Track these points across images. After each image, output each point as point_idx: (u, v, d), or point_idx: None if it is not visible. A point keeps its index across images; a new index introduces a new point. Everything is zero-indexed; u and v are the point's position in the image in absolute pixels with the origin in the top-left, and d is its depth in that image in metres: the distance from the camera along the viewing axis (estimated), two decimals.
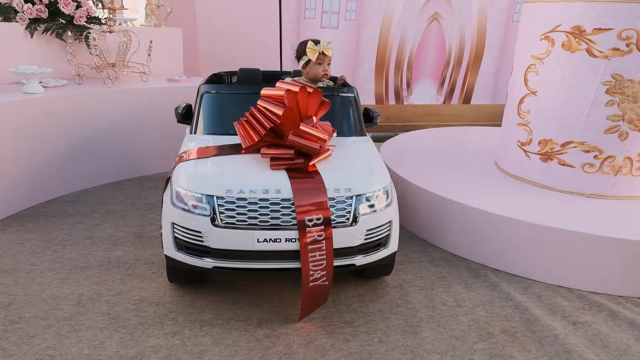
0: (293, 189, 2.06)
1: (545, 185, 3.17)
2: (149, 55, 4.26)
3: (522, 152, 3.30)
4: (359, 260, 2.17)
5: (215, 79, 3.37)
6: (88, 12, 4.07)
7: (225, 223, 2.04)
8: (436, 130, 5.01)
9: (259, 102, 2.23)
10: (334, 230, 2.05)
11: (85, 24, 4.06)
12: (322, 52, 2.78)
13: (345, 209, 2.10)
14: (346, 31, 5.76)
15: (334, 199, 2.09)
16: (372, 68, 5.94)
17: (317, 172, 2.16)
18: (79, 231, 3.08)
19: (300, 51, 2.82)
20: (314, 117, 2.28)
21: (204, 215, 2.05)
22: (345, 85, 3.07)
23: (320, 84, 3.05)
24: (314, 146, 2.15)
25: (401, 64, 6.01)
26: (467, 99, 6.35)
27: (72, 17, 3.98)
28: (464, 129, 5.36)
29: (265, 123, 2.13)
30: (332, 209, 2.07)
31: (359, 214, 2.11)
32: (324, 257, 2.05)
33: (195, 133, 2.63)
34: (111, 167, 3.95)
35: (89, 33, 3.86)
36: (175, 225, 2.13)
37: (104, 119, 3.82)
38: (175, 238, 2.15)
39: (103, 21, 4.19)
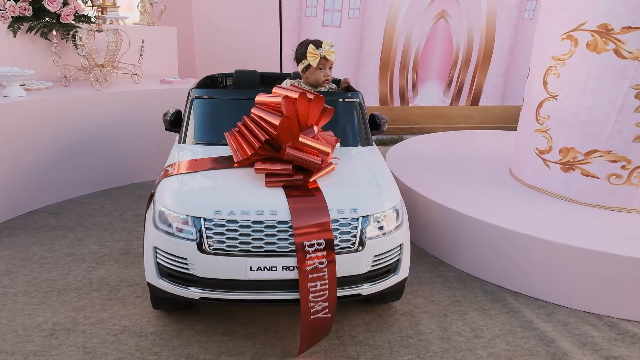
0: (291, 209, 1.81)
1: (567, 198, 2.91)
2: (140, 55, 4.01)
3: (540, 161, 3.05)
4: (366, 289, 1.92)
5: (209, 82, 3.12)
6: (76, 10, 3.83)
7: (214, 249, 1.79)
8: (444, 135, 4.76)
9: (253, 110, 1.98)
10: (337, 256, 1.81)
11: (73, 22, 3.82)
12: (324, 56, 2.54)
13: (351, 232, 1.85)
14: (349, 30, 5.51)
15: (338, 220, 1.84)
16: (376, 68, 5.69)
17: (318, 190, 1.91)
18: (60, 247, 2.84)
19: (300, 54, 2.57)
20: (315, 127, 2.03)
21: (189, 239, 1.81)
22: (349, 89, 2.82)
23: (322, 89, 2.81)
24: (315, 160, 1.90)
25: (406, 64, 5.76)
26: (475, 101, 6.09)
27: (59, 16, 3.74)
28: (473, 132, 5.10)
29: (260, 134, 1.88)
30: (335, 233, 1.82)
31: (365, 237, 1.86)
32: (326, 286, 1.81)
33: (184, 143, 2.38)
34: (99, 174, 3.71)
35: (77, 32, 3.62)
36: (157, 250, 1.88)
37: (91, 124, 3.58)
38: (158, 264, 1.90)
39: (92, 20, 3.95)
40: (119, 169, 3.81)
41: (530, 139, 3.14)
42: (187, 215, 1.82)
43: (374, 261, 1.89)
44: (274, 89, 2.07)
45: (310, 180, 1.93)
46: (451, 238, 2.78)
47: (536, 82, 3.09)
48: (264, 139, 1.86)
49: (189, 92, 2.52)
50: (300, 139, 1.89)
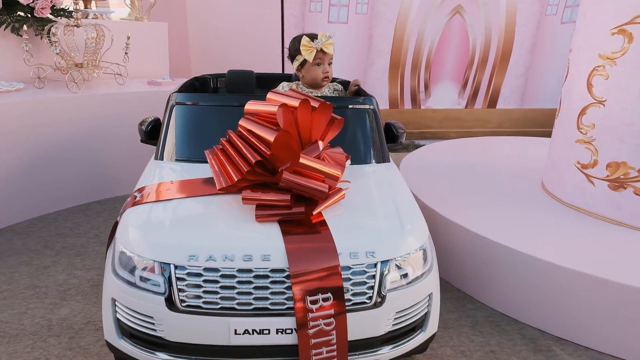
0: (288, 251, 1.39)
1: (616, 221, 2.48)
2: (126, 54, 3.60)
3: (583, 177, 2.61)
4: (385, 354, 1.49)
5: (197, 85, 2.70)
6: (53, 3, 3.41)
7: (188, 305, 1.37)
8: (462, 142, 4.32)
9: (241, 122, 1.56)
10: (349, 314, 1.38)
11: (50, 16, 3.41)
12: (321, 49, 2.15)
13: (366, 282, 1.42)
14: (357, 26, 5.08)
15: (350, 268, 1.41)
16: (385, 68, 5.25)
17: (324, 225, 1.49)
18: (21, 277, 2.43)
19: (294, 50, 2.19)
20: (320, 143, 1.61)
21: (156, 292, 1.39)
22: (359, 92, 2.40)
23: (327, 92, 2.39)
24: (320, 188, 1.48)
25: (419, 63, 5.32)
26: (492, 103, 5.64)
27: (33, 9, 3.33)
28: (493, 139, 4.66)
29: (249, 155, 1.46)
30: (346, 284, 1.39)
31: (385, 288, 1.44)
32: (334, 354, 1.38)
33: (161, 159, 1.96)
34: (76, 187, 3.29)
35: (52, 27, 3.21)
36: (117, 303, 1.46)
37: (67, 130, 3.17)
38: (118, 320, 1.48)
39: (72, 14, 3.54)
40: (100, 180, 3.40)
41: (569, 150, 2.70)
42: (154, 261, 1.40)
43: (396, 319, 1.47)
44: (269, 95, 1.65)
45: (314, 212, 1.50)
46: (481, 270, 2.35)
47: (578, 85, 2.65)
48: (254, 161, 1.43)
49: (169, 97, 2.11)
50: (302, 160, 1.47)
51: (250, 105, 1.59)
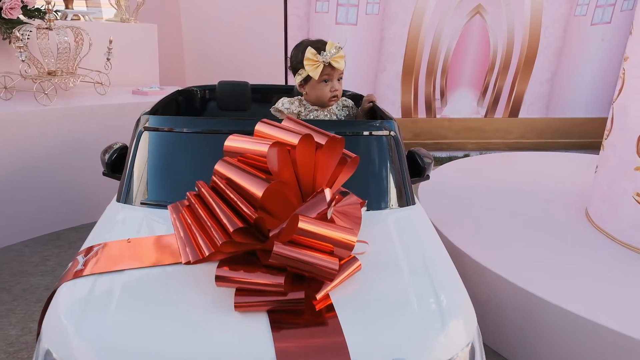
0: (279, 354, 0.95)
1: None
2: (108, 59, 3.19)
3: None
4: None
5: (181, 99, 2.28)
6: (24, 3, 3.01)
7: None
8: (484, 159, 3.87)
9: (217, 166, 1.12)
10: None
11: (21, 17, 3.01)
12: (329, 63, 1.73)
13: None
14: (367, 28, 4.64)
15: None
16: (398, 73, 4.81)
17: (331, 312, 1.05)
18: None
19: (296, 61, 1.78)
20: (326, 192, 1.17)
21: None
22: (374, 111, 1.97)
23: (335, 109, 1.97)
24: (329, 265, 1.04)
25: (434, 69, 4.88)
26: (514, 112, 5.18)
27: (0, 9, 2.92)
28: (517, 155, 4.21)
29: (226, 219, 1.02)
30: None
31: None
32: None
33: (123, 201, 1.53)
34: (48, 212, 2.88)
35: (19, 30, 2.80)
36: None
37: (37, 147, 2.76)
38: None
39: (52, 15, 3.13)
40: (75, 204, 2.99)
41: (626, 179, 2.25)
42: None
43: None
44: (258, 127, 1.21)
45: (319, 295, 1.07)
46: (523, 331, 1.91)
47: (637, 101, 2.20)
48: (232, 229, 0.99)
49: (138, 120, 1.68)
50: (302, 225, 1.03)
51: (232, 142, 1.16)
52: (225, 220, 1.00)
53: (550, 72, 5.05)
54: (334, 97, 1.86)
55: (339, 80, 1.86)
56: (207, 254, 1.02)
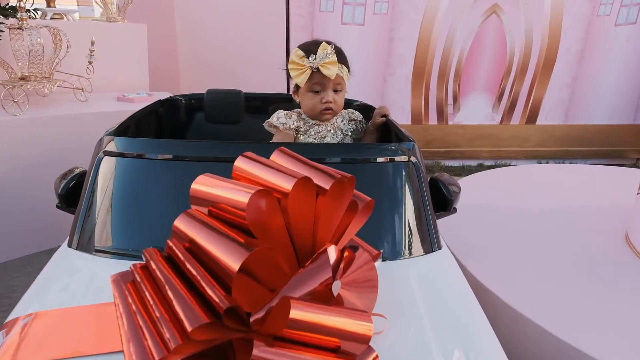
0: None
1: None
2: (89, 63, 2.88)
3: None
4: None
5: (162, 111, 1.97)
6: None
7: None
8: (502, 173, 3.53)
9: (177, 222, 0.80)
10: None
11: None
12: (317, 68, 1.45)
13: None
14: (375, 28, 4.32)
15: None
16: (408, 77, 4.50)
17: None
18: None
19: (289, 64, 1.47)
20: (331, 251, 0.85)
21: None
22: (388, 127, 1.66)
23: (340, 122, 1.68)
24: None
25: (447, 72, 4.55)
26: (532, 118, 4.85)
27: None
28: (538, 168, 3.87)
29: (183, 315, 0.70)
30: None
31: None
32: None
33: (75, 247, 1.22)
34: (17, 235, 2.58)
35: None
36: None
37: (4, 162, 2.46)
38: None
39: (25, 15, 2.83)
40: (50, 224, 2.68)
41: None
42: None
43: None
44: (237, 163, 0.89)
45: None
46: None
47: None
48: (190, 329, 0.68)
49: (99, 142, 1.37)
50: (295, 314, 0.71)
51: (201, 186, 0.85)
52: (181, 314, 0.68)
53: (571, 76, 4.71)
54: (327, 110, 1.56)
55: (336, 91, 1.55)
56: (157, 358, 0.70)
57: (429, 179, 1.50)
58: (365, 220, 0.98)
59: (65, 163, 2.54)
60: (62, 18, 3.27)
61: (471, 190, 3.06)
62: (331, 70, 1.50)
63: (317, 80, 1.54)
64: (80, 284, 1.08)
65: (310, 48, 1.52)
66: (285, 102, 2.18)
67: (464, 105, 4.73)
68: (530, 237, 2.31)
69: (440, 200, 1.48)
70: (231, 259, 0.73)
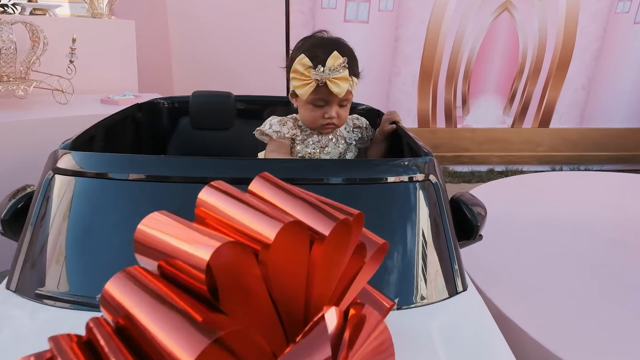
0: None
1: None
2: (71, 62, 2.65)
3: None
4: None
5: (140, 116, 1.73)
6: None
7: None
8: (517, 181, 3.28)
9: (109, 286, 0.57)
10: None
11: None
12: (325, 82, 1.23)
13: None
14: (380, 26, 4.09)
15: None
16: (414, 77, 4.26)
17: None
18: None
19: (290, 64, 1.27)
20: (329, 317, 0.60)
21: None
22: (399, 135, 1.42)
23: (344, 131, 1.45)
24: None
25: (455, 72, 4.31)
26: (545, 121, 4.59)
27: None
28: (555, 176, 3.63)
29: None
30: None
31: None
32: None
33: (14, 289, 0.98)
34: None
35: None
36: None
37: None
38: None
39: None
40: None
41: None
42: None
43: None
44: (202, 194, 0.65)
45: None
46: None
47: None
48: None
49: (54, 154, 1.13)
50: None
51: (149, 230, 0.61)
52: None
53: (587, 77, 4.46)
54: (328, 124, 1.33)
55: (341, 105, 1.32)
56: None
57: (450, 200, 1.25)
58: (377, 268, 0.74)
59: (38, 170, 2.32)
60: (45, 13, 3.04)
61: (489, 200, 2.80)
62: (341, 87, 1.26)
63: (322, 96, 1.31)
64: (13, 343, 0.84)
65: (317, 53, 1.28)
66: (282, 105, 1.95)
67: (474, 108, 4.48)
68: (551, 253, 2.07)
69: (463, 225, 1.23)
70: (183, 350, 0.49)
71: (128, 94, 2.85)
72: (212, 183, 0.66)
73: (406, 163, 1.14)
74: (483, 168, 4.57)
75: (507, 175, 4.52)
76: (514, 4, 4.16)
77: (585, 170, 4.62)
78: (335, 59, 1.26)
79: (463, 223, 1.23)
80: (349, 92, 1.34)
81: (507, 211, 2.59)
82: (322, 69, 1.25)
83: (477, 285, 1.76)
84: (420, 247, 1.04)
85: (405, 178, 1.08)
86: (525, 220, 2.45)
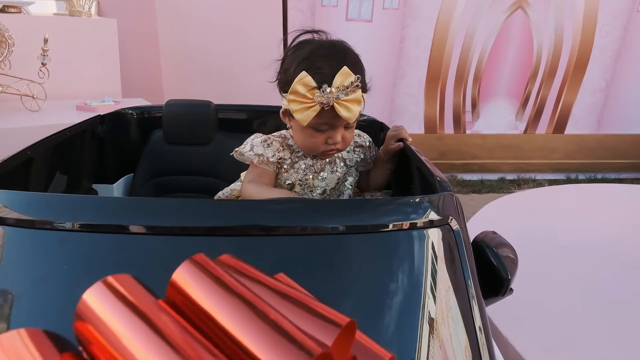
0: None
1: None
2: (43, 64, 2.40)
3: None
4: None
5: (102, 130, 1.47)
6: None
7: None
8: (533, 196, 3.03)
9: None
10: None
11: None
12: (331, 105, 0.97)
13: None
14: (384, 25, 3.82)
15: None
16: (421, 80, 3.99)
17: None
18: None
19: (285, 78, 1.05)
20: None
21: None
22: (407, 155, 1.17)
23: (344, 153, 1.18)
24: None
25: (465, 75, 4.04)
26: (560, 127, 4.32)
27: None
28: (573, 189, 3.36)
29: None
30: None
31: None
32: None
33: None
34: None
35: None
36: None
37: None
38: None
39: None
40: None
41: None
42: None
43: None
44: (177, 277, 0.39)
45: None
46: None
47: None
48: None
49: None
50: None
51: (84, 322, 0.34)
52: None
53: (605, 79, 4.18)
54: (332, 150, 1.07)
55: (347, 128, 1.07)
56: None
57: (472, 243, 0.98)
58: None
59: None
60: (20, 11, 2.79)
61: (502, 219, 2.53)
62: (352, 112, 1.00)
63: (327, 120, 1.05)
64: None
65: (321, 68, 1.01)
66: (273, 114, 1.68)
67: (484, 112, 4.21)
68: (576, 283, 1.80)
69: (488, 275, 0.96)
70: None
71: (108, 100, 2.60)
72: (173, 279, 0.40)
73: (418, 201, 0.88)
74: (494, 176, 4.30)
75: (519, 185, 4.25)
76: (528, 1, 3.89)
77: (603, 179, 4.34)
78: (344, 77, 0.99)
79: (488, 272, 0.96)
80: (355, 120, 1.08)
81: (518, 230, 2.32)
82: (328, 89, 0.98)
83: (496, 327, 1.50)
84: (437, 317, 0.77)
85: (418, 222, 0.82)
86: (539, 240, 2.18)
